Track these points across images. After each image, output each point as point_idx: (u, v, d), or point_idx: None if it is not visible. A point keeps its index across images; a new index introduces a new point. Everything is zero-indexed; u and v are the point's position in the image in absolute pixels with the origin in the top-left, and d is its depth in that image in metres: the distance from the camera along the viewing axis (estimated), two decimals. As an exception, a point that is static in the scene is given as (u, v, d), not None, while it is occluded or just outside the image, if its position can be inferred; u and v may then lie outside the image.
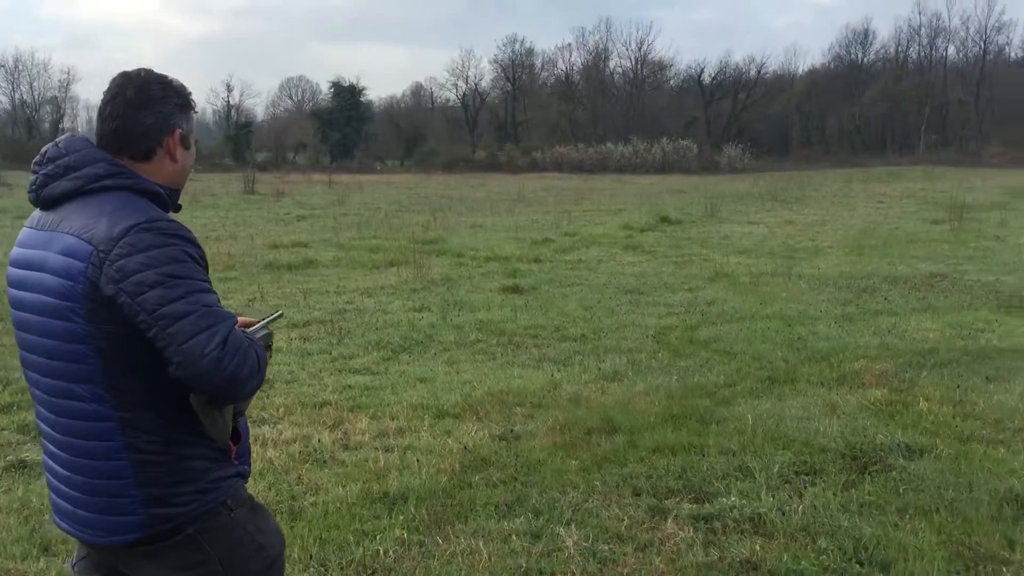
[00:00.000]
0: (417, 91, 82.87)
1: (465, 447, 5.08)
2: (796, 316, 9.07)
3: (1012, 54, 73.93)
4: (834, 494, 4.31)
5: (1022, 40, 74.35)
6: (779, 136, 71.44)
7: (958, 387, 6.15)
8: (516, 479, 4.59)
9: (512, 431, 5.39)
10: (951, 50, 73.60)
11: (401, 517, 4.11)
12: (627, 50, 77.76)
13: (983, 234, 16.85)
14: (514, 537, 3.91)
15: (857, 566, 3.61)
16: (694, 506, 4.21)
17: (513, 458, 4.89)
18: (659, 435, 5.17)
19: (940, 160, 54.69)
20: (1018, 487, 4.30)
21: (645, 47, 75.92)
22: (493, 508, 4.22)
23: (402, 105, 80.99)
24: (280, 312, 2.44)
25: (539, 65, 79.80)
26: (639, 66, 76.23)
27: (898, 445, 4.91)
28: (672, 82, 78.32)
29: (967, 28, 72.46)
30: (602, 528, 4.01)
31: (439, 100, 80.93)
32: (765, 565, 3.63)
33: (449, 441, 5.21)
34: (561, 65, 79.43)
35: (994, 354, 7.23)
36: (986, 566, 3.61)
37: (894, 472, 4.58)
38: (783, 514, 4.06)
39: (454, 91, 79.31)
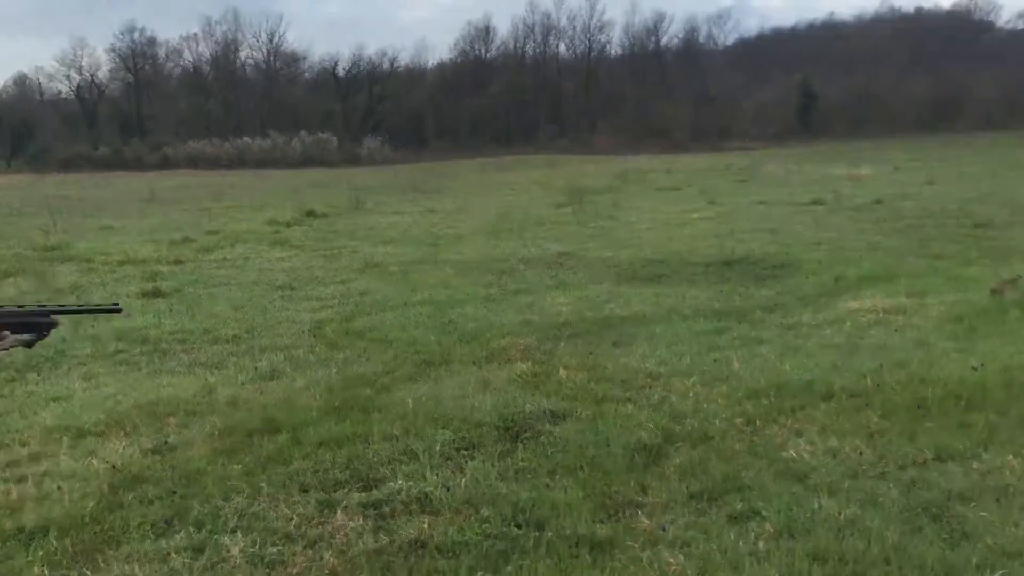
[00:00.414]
0: (21, 81, 74.30)
1: (113, 466, 4.68)
2: (446, 300, 9.45)
3: (612, 51, 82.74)
4: (492, 465, 4.57)
5: (620, 38, 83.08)
6: (415, 128, 73.66)
7: (590, 354, 6.78)
8: (174, 492, 4.32)
9: (166, 443, 5.06)
10: (562, 47, 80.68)
11: (40, 552, 3.70)
12: (258, 42, 75.86)
13: (600, 215, 18.69)
14: (174, 554, 3.69)
15: (516, 529, 3.84)
16: (363, 494, 4.24)
17: (169, 471, 4.60)
18: (323, 429, 5.14)
19: (559, 148, 59.82)
20: (645, 438, 4.84)
21: (277, 39, 74.61)
22: (149, 527, 3.94)
23: (3, 97, 72.19)
24: (118, 306, 2.38)
25: (163, 56, 75.33)
26: (272, 58, 74.79)
27: (544, 412, 5.30)
28: (307, 75, 77.79)
29: (574, 27, 79.78)
30: (270, 530, 3.90)
31: (49, 92, 73.32)
32: (432, 541, 3.75)
33: (94, 462, 4.77)
34: (188, 56, 75.65)
35: (617, 322, 8.07)
36: (624, 511, 4.02)
37: (543, 437, 4.94)
38: (448, 490, 4.23)
39: (67, 83, 72.31)
